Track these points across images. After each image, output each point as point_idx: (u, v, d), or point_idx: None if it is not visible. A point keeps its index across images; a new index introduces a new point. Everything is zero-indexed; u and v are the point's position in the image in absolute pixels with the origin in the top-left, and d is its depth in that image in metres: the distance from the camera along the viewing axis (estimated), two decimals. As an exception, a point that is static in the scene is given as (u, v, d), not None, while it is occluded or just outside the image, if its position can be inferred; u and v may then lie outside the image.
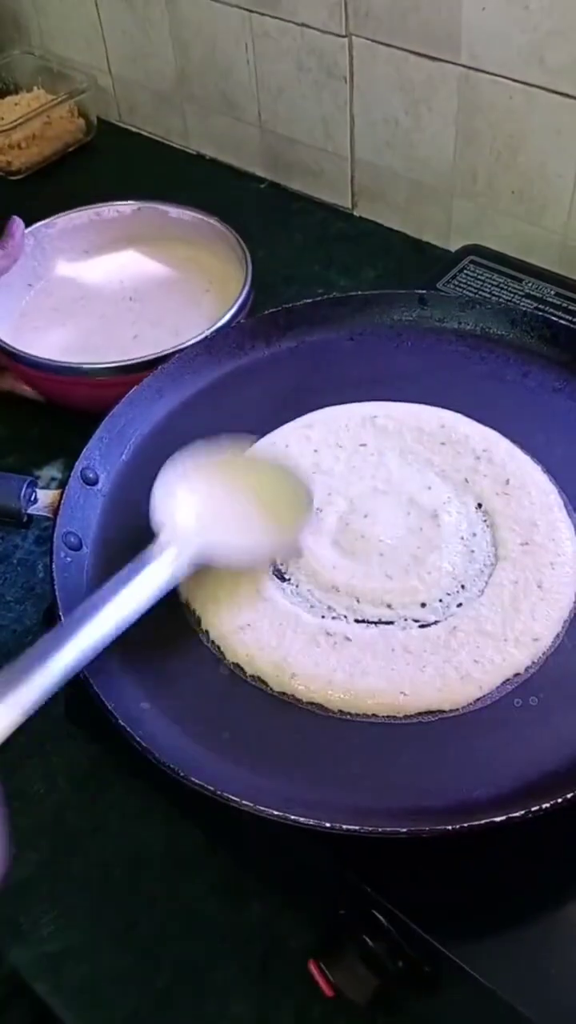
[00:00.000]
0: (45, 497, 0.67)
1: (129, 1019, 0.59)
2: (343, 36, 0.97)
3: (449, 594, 0.61)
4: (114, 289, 0.96)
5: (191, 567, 0.59)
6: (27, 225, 0.95)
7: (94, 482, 0.69)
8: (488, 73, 0.89)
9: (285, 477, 0.66)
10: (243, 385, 0.76)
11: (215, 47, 1.10)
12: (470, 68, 0.90)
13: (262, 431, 0.72)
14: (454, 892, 0.54)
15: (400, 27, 0.92)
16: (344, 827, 0.49)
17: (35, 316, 0.94)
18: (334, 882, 0.57)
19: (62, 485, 0.67)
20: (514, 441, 0.69)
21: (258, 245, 0.92)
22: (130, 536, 0.68)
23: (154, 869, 0.64)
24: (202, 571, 0.61)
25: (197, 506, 0.61)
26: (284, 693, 0.58)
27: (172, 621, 0.62)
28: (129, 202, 0.99)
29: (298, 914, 0.60)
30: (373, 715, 0.56)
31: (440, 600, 0.61)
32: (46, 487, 0.68)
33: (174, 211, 0.98)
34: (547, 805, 0.48)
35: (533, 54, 0.84)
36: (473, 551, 0.63)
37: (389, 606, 0.60)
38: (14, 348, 0.84)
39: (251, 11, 1.03)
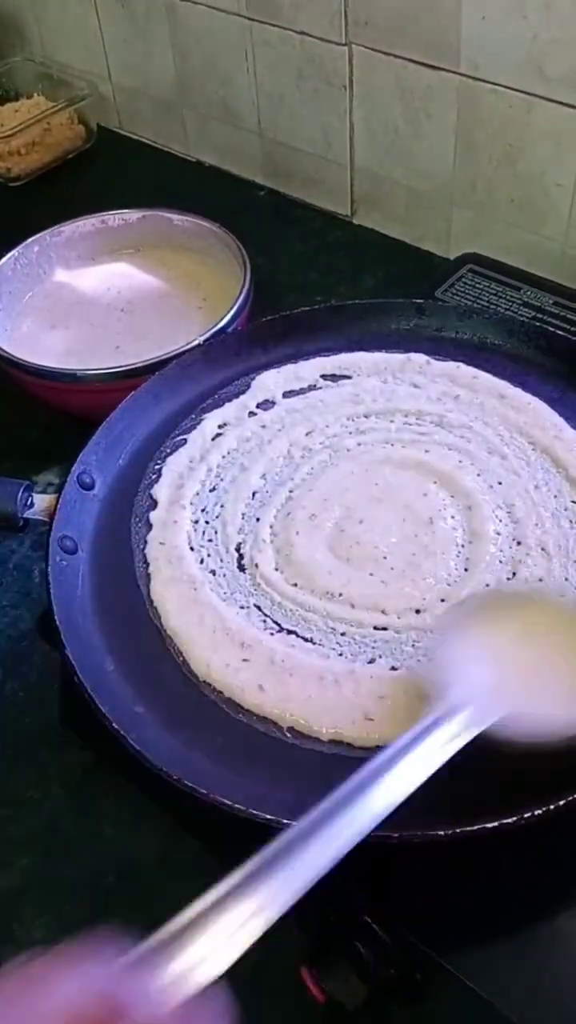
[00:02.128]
0: (41, 501, 0.67)
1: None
2: (343, 44, 0.97)
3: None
4: (109, 299, 0.96)
5: (478, 733, 0.49)
6: (29, 232, 0.95)
7: (90, 487, 0.69)
8: (487, 82, 0.89)
9: None
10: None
11: (215, 55, 1.10)
12: (469, 77, 0.90)
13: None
14: (446, 900, 0.54)
15: (400, 36, 0.92)
16: (336, 832, 0.49)
17: (31, 321, 0.94)
18: (326, 888, 0.56)
19: (60, 490, 0.67)
20: (512, 452, 0.70)
21: (257, 252, 0.92)
22: (125, 541, 0.68)
23: (148, 876, 0.63)
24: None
25: (493, 659, 0.53)
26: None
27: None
28: (135, 210, 0.99)
29: (290, 920, 0.60)
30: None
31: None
32: (44, 492, 0.68)
33: (177, 218, 0.98)
34: (539, 811, 0.48)
35: (532, 63, 0.84)
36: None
37: (383, 612, 0.61)
38: (8, 353, 0.84)
39: (251, 19, 1.03)
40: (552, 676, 0.52)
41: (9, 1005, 0.33)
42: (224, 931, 0.38)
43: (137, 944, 0.36)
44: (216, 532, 0.68)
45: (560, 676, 0.52)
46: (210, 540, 0.67)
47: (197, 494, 0.70)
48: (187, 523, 0.68)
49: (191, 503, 0.69)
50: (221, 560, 0.66)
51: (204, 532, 0.68)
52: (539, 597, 0.60)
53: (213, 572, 0.65)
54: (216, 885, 0.40)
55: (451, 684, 0.50)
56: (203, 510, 0.69)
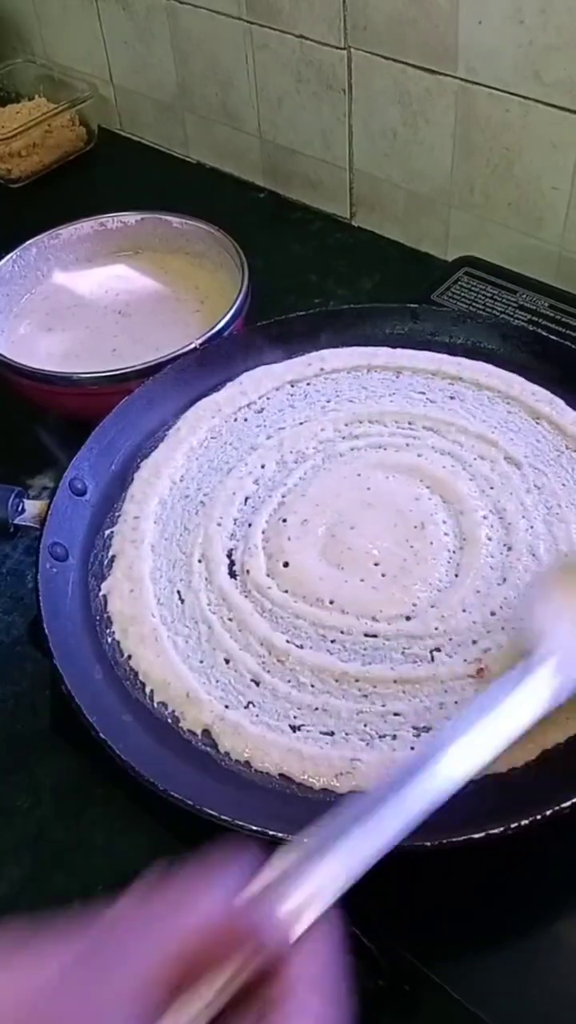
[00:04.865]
0: (33, 507, 0.66)
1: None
2: (342, 48, 0.97)
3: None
4: (107, 301, 0.95)
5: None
6: (29, 234, 0.95)
7: (82, 492, 0.69)
8: (485, 86, 0.89)
9: None
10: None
11: (216, 58, 1.10)
12: (467, 81, 0.90)
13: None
14: (435, 911, 0.54)
15: (398, 40, 0.92)
16: (322, 843, 0.49)
17: (28, 323, 0.94)
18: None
19: (53, 495, 0.67)
20: (505, 456, 0.70)
21: (256, 254, 0.91)
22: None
23: (138, 885, 0.63)
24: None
25: None
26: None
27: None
28: (133, 212, 0.99)
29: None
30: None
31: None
32: (38, 497, 0.68)
33: (176, 221, 0.98)
34: (526, 822, 0.48)
35: (529, 68, 0.84)
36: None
37: (374, 618, 0.60)
38: (5, 356, 0.83)
39: (251, 23, 1.03)
40: None
41: (145, 925, 0.35)
42: (331, 868, 0.39)
43: (257, 873, 0.38)
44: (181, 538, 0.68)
45: None
46: (182, 547, 0.67)
47: (182, 497, 0.70)
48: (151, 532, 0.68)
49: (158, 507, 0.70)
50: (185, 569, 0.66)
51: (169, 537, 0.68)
52: None
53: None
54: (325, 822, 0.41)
55: (543, 636, 0.51)
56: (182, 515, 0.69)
